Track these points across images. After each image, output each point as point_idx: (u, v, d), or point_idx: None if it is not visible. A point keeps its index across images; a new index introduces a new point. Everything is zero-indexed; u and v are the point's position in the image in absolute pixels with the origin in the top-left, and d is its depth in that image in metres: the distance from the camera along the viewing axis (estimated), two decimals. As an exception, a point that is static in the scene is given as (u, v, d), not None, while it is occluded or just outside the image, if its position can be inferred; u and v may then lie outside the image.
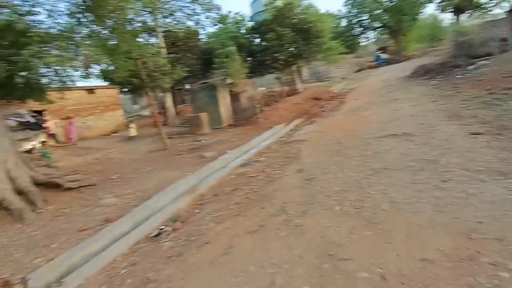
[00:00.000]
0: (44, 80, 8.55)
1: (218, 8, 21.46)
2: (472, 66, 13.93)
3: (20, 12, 5.11)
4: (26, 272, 3.87)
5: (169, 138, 13.71)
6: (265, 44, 19.87)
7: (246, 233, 3.80)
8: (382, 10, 43.50)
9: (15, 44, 5.33)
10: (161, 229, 4.32)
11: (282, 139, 9.55)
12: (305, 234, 3.59)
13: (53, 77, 8.36)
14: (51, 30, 6.30)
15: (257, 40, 23.32)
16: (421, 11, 43.92)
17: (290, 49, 19.64)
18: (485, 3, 33.32)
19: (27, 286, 2.95)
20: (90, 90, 20.86)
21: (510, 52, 14.42)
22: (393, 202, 4.07)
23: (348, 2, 46.60)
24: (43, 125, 16.75)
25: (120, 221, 4.70)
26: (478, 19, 33.87)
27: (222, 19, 26.80)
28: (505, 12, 20.62)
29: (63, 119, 17.93)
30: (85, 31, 5.90)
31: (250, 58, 20.61)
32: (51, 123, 17.16)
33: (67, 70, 6.18)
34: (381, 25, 46.52)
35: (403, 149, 6.15)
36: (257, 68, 20.36)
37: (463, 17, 36.12)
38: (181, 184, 6.10)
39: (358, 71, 41.84)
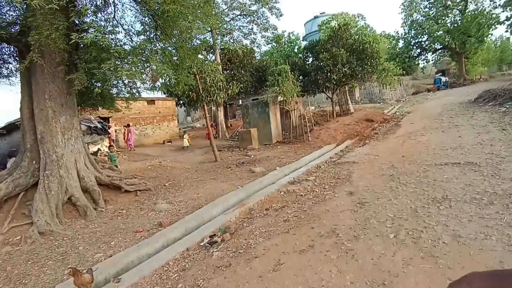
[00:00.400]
0: (114, 91, 9.52)
1: (275, 28, 22.06)
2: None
3: (104, 31, 5.78)
4: (89, 265, 4.22)
5: (219, 150, 14.18)
6: (319, 63, 19.89)
7: (295, 252, 3.75)
8: (443, 32, 41.28)
9: (96, 59, 6.02)
10: (211, 237, 4.45)
11: (333, 159, 9.36)
12: (357, 259, 3.45)
13: (122, 88, 9.27)
14: (126, 47, 7.04)
15: (310, 60, 23.49)
16: (489, 33, 40.87)
17: (343, 69, 19.42)
18: None
19: (93, 276, 3.22)
20: (151, 101, 22.52)
21: None
22: (456, 236, 3.75)
23: (406, 23, 45.18)
24: (108, 131, 18.41)
25: (173, 227, 4.93)
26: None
27: (277, 39, 27.55)
28: None
29: (125, 126, 19.55)
30: (154, 48, 6.47)
31: (302, 77, 20.77)
32: (112, 130, 18.75)
33: (136, 83, 6.79)
34: (441, 46, 44.17)
35: (467, 180, 5.67)
36: (309, 86, 20.40)
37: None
38: (231, 196, 6.24)
39: (415, 93, 39.84)
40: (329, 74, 19.66)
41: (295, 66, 21.34)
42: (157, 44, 6.69)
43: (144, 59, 6.12)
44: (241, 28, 23.69)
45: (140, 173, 11.30)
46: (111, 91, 9.31)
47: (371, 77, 21.70)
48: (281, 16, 22.41)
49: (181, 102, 25.57)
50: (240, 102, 22.25)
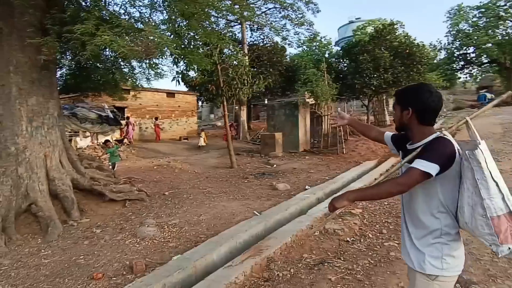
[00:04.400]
0: (118, 76, 7.94)
1: (310, 24, 20.03)
2: None
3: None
4: None
5: (238, 154, 12.34)
6: (357, 66, 17.68)
7: None
8: (494, 44, 37.54)
9: (75, 19, 4.32)
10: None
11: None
12: None
13: (126, 72, 7.65)
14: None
15: (346, 63, 21.31)
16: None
17: (385, 75, 17.11)
18: None
19: None
20: (170, 93, 21.11)
21: None
22: None
23: (451, 32, 41.59)
24: (125, 122, 17.06)
25: (145, 281, 3.08)
26: None
27: (312, 39, 25.41)
28: None
29: (155, 118, 18.98)
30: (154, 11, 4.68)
31: (336, 81, 18.69)
32: (132, 121, 17.45)
33: (123, 58, 5.06)
34: (489, 60, 40.30)
35: None
36: (344, 92, 18.22)
37: None
38: (243, 229, 4.33)
39: (456, 109, 36.25)
40: (368, 78, 17.46)
41: (329, 68, 19.26)
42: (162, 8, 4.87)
43: (137, 24, 4.35)
44: (273, 23, 21.87)
45: (143, 173, 9.68)
46: (114, 74, 7.73)
47: (415, 85, 19.19)
48: (318, 12, 20.36)
49: (203, 97, 24.07)
50: (266, 102, 20.37)
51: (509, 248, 1.30)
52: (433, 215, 1.51)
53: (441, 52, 44.37)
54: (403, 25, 37.48)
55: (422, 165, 1.40)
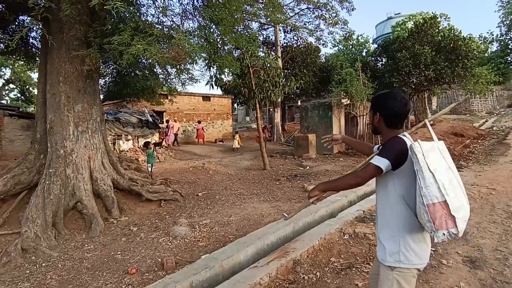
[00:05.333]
0: (153, 83, 8.36)
1: (345, 23, 19.56)
2: None
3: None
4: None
5: (271, 156, 12.41)
6: (395, 64, 16.94)
7: None
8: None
9: (113, 32, 4.64)
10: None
11: (417, 185, 6.89)
12: None
13: (162, 78, 8.02)
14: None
15: (383, 60, 20.49)
16: None
17: (427, 72, 16.21)
18: None
19: None
20: (206, 97, 21.70)
21: None
22: None
23: (505, 22, 38.29)
24: (166, 125, 17.87)
25: (174, 278, 3.23)
26: None
27: (347, 38, 24.78)
28: None
29: (198, 121, 19.97)
30: (186, 19, 4.90)
31: (373, 80, 18.03)
32: (176, 124, 18.12)
33: (156, 65, 5.33)
34: (550, 51, 36.60)
35: None
36: (381, 91, 17.51)
37: None
38: (271, 231, 4.36)
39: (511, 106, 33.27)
40: (407, 76, 16.65)
41: (365, 67, 18.65)
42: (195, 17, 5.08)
43: (170, 32, 4.57)
44: (307, 24, 21.65)
45: (178, 175, 10.06)
46: (149, 81, 8.15)
47: (462, 82, 17.89)
48: (353, 10, 19.85)
49: (238, 100, 24.44)
50: (299, 103, 20.20)
51: (444, 234, 1.41)
52: (392, 209, 1.64)
53: (492, 45, 41.19)
54: (448, 18, 35.36)
55: (376, 160, 1.57)
